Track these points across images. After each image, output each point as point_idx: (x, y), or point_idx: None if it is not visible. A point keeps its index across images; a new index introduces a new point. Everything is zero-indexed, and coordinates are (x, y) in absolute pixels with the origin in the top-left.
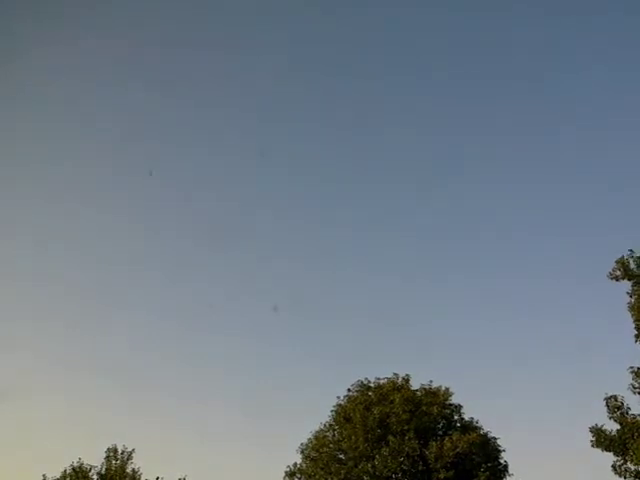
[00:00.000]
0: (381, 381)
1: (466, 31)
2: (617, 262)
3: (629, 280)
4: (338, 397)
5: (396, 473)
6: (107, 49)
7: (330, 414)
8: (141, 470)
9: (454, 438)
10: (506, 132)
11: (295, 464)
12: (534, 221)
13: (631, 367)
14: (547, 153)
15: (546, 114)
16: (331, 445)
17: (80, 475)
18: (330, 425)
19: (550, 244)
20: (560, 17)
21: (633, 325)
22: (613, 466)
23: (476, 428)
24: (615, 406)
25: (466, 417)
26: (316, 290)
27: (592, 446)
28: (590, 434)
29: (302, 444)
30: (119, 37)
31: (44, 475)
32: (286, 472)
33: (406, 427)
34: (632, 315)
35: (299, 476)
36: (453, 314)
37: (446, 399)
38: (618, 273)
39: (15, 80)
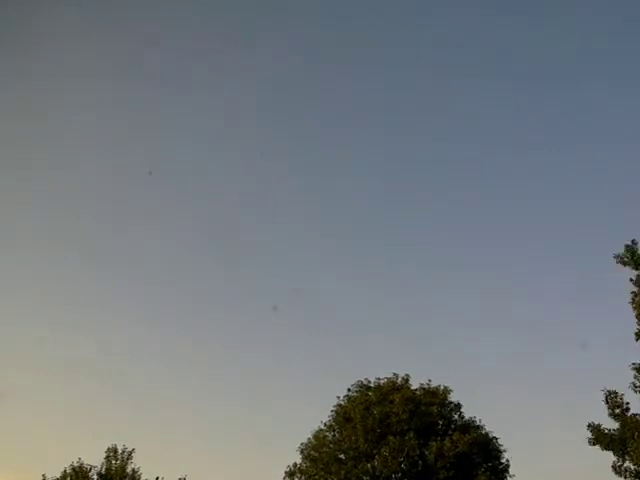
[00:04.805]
0: (381, 381)
1: None
2: (626, 247)
3: (635, 269)
4: (338, 397)
5: (396, 473)
6: (107, 48)
7: (330, 414)
8: (141, 470)
9: (454, 438)
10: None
11: (295, 464)
12: (533, 216)
13: (633, 363)
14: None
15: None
16: (331, 445)
17: (80, 475)
18: (330, 425)
19: (550, 241)
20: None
21: (634, 315)
22: (613, 466)
23: (477, 428)
24: (615, 403)
25: (466, 417)
26: (316, 290)
27: (590, 443)
28: (588, 431)
29: (302, 444)
30: (119, 36)
31: (44, 475)
32: (286, 472)
33: (406, 427)
34: (634, 309)
35: (299, 476)
36: (453, 313)
37: (445, 398)
38: (626, 259)
39: (15, 79)
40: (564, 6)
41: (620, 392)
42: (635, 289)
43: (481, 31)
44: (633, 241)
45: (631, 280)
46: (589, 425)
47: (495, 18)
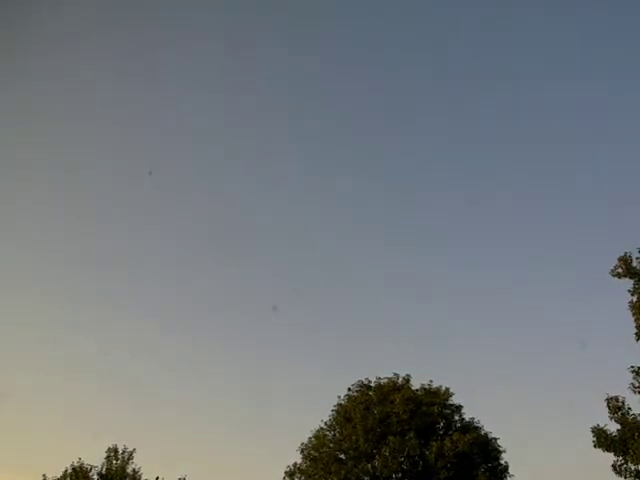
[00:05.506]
0: (381, 381)
1: None
2: (619, 259)
3: (631, 278)
4: (338, 397)
5: (396, 473)
6: (107, 48)
7: (330, 414)
8: (141, 470)
9: (454, 438)
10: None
11: (295, 464)
12: (533, 216)
13: (632, 367)
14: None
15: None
16: (331, 445)
17: (80, 475)
18: (330, 425)
19: (550, 241)
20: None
21: (634, 324)
22: (613, 466)
23: (476, 428)
24: (616, 407)
25: (466, 417)
26: (315, 290)
27: (594, 446)
28: (592, 435)
29: (302, 444)
30: (119, 35)
31: (44, 475)
32: (286, 472)
33: (406, 427)
34: (633, 314)
35: (299, 476)
36: (453, 313)
37: (446, 399)
38: (620, 270)
39: (15, 79)
40: (564, 6)
41: (620, 393)
42: (633, 298)
43: (481, 31)
44: (625, 253)
45: (629, 291)
46: (593, 429)
47: (495, 18)
